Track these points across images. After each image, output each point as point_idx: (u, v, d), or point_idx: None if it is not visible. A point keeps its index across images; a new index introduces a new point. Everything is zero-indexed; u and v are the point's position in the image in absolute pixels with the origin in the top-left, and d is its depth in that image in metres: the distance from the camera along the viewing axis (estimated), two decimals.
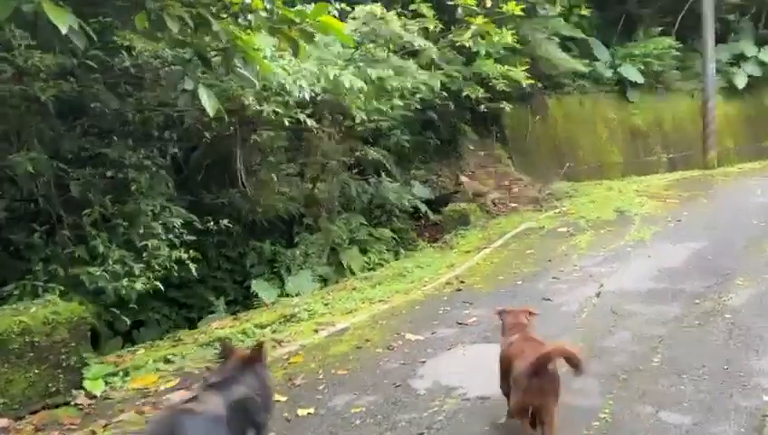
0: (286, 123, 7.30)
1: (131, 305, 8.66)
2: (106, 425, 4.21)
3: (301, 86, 7.05)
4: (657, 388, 4.50)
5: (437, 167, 13.93)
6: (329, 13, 7.31)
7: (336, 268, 9.62)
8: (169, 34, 5.93)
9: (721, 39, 18.10)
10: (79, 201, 6.80)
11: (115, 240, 6.59)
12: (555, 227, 10.61)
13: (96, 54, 7.12)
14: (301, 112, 7.45)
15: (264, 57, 7.23)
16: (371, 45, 8.53)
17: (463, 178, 12.10)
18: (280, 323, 6.40)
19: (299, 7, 5.43)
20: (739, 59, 19.24)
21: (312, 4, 5.43)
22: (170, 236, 6.70)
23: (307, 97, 7.10)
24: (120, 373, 5.02)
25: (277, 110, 6.97)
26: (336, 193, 10.34)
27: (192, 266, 6.72)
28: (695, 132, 17.72)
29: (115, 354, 5.58)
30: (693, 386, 4.50)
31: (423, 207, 11.89)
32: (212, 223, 7.91)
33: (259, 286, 8.29)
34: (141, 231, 6.48)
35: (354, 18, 8.37)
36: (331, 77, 7.33)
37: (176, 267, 6.79)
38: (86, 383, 4.61)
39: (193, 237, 7.32)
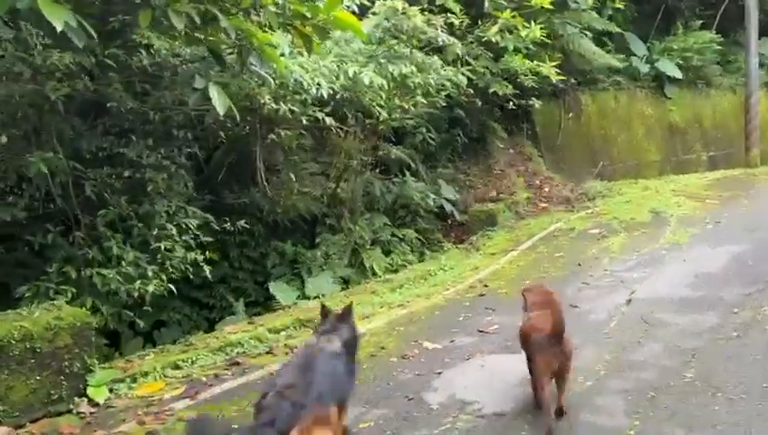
0: (304, 122, 7.11)
1: (152, 306, 8.79)
2: None
3: (319, 84, 6.85)
4: (688, 408, 4.18)
5: (465, 165, 13.62)
6: (348, 9, 7.17)
7: (358, 270, 9.42)
8: (185, 32, 5.85)
9: (765, 32, 17.34)
10: (95, 202, 6.74)
11: (130, 241, 6.50)
12: (587, 229, 10.23)
13: (114, 53, 7.02)
14: (319, 111, 7.26)
15: (282, 55, 7.07)
16: (394, 41, 8.27)
17: None
18: (295, 327, 6.23)
19: (311, 3, 5.20)
20: None
21: None
22: (185, 237, 6.56)
23: (325, 95, 6.90)
24: (127, 380, 4.90)
25: (293, 108, 6.78)
26: (359, 193, 10.13)
27: (206, 269, 6.58)
28: (736, 129, 17.04)
29: (124, 359, 5.47)
30: (728, 406, 4.16)
31: (449, 207, 11.60)
32: (231, 223, 7.78)
33: (277, 289, 8.14)
34: (155, 232, 6.36)
35: (375, 13, 8.13)
36: (351, 74, 7.12)
37: (191, 269, 6.66)
38: (89, 390, 4.50)
39: (210, 238, 7.20)
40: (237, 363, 5.29)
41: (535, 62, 9.61)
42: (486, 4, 9.55)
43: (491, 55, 10.21)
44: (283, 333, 6.07)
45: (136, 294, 6.00)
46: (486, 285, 7.66)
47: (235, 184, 9.35)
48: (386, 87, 7.47)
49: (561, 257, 8.74)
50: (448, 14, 9.13)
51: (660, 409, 4.17)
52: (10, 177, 6.88)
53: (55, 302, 4.77)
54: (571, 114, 15.53)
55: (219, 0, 4.80)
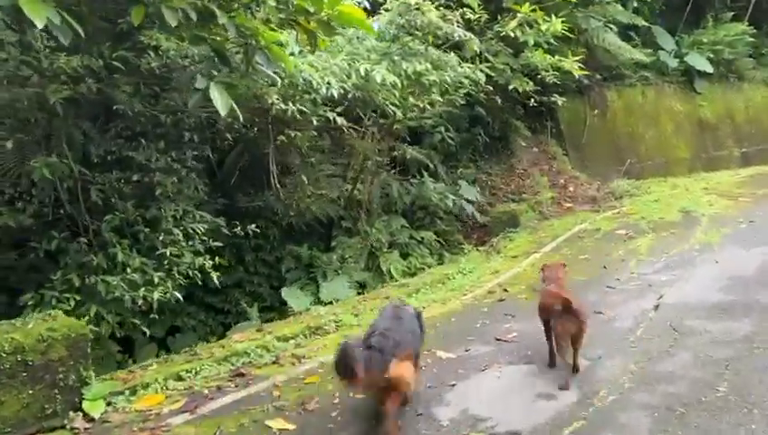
0: (315, 122, 6.89)
1: (167, 312, 8.66)
2: None
3: (329, 83, 6.63)
4: (720, 426, 3.84)
5: (487, 165, 13.30)
6: (360, 5, 6.93)
7: (375, 273, 9.18)
8: (190, 31, 5.67)
9: None
10: (102, 207, 6.60)
11: (137, 247, 6.35)
12: (613, 230, 9.85)
13: (123, 55, 6.88)
14: (330, 111, 7.03)
15: (291, 54, 6.86)
16: (408, 38, 8.01)
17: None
18: (305, 335, 6.00)
19: None
20: None
21: None
22: (192, 242, 6.38)
23: (335, 94, 6.67)
24: (127, 392, 4.72)
25: (303, 108, 6.56)
26: (376, 194, 9.90)
27: (214, 275, 6.38)
28: None
29: (126, 370, 5.30)
30: (765, 424, 3.81)
31: (469, 208, 11.28)
32: (246, 227, 7.58)
33: (290, 294, 7.94)
34: (161, 238, 6.19)
35: (387, 10, 7.88)
36: (362, 73, 6.87)
37: (199, 275, 6.48)
38: (85, 404, 4.32)
39: (220, 243, 7.01)
40: (242, 374, 5.08)
41: (557, 57, 9.24)
42: None
43: (511, 51, 9.88)
44: (291, 341, 5.84)
45: (140, 302, 5.81)
46: (506, 290, 7.35)
47: (249, 187, 9.18)
48: (399, 85, 7.21)
49: (586, 260, 8.38)
50: (465, 10, 8.82)
51: (690, 428, 3.84)
52: (22, 182, 6.78)
53: (52, 312, 4.58)
54: (596, 111, 15.10)
55: None
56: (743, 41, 16.76)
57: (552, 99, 10.20)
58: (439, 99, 8.29)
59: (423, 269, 9.59)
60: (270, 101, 6.39)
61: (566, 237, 9.83)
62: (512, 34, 9.15)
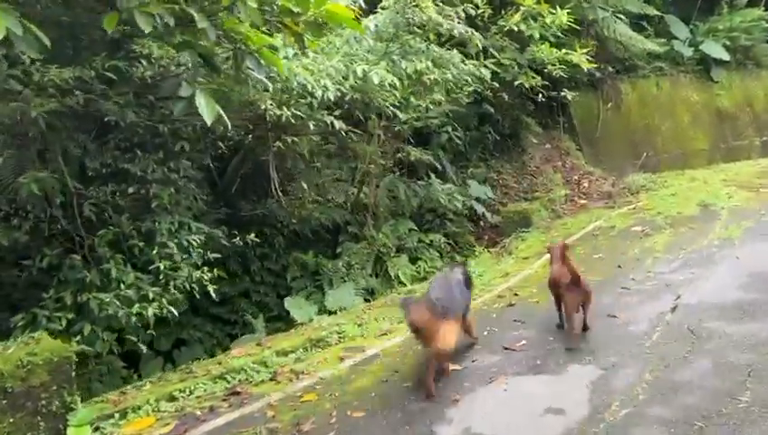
0: (311, 127, 6.68)
1: (172, 324, 8.49)
2: None
3: (325, 86, 6.40)
4: None
5: (498, 163, 13.01)
6: (355, 3, 6.70)
7: (383, 279, 8.96)
8: (175, 37, 5.49)
9: None
10: (96, 222, 6.45)
11: (132, 261, 6.18)
12: (628, 226, 9.50)
13: (115, 65, 6.73)
14: (328, 114, 6.81)
15: (286, 57, 6.66)
16: (409, 36, 7.76)
17: None
18: (305, 349, 5.78)
19: None
20: None
21: None
22: (185, 255, 6.19)
23: (331, 97, 6.45)
24: (116, 415, 4.53)
25: (298, 113, 6.35)
26: (382, 198, 9.67)
27: (211, 288, 6.19)
28: None
29: (119, 391, 5.12)
30: None
31: (480, 209, 11.01)
32: (247, 236, 7.40)
33: (293, 304, 7.73)
34: (155, 251, 6.01)
35: (385, 8, 7.63)
36: (360, 74, 6.64)
37: (197, 289, 6.29)
38: (70, 431, 4.13)
39: (218, 255, 6.83)
40: (237, 393, 4.87)
41: (564, 50, 8.93)
42: None
43: (517, 46, 9.59)
44: (291, 355, 5.63)
45: (134, 319, 5.63)
46: (516, 294, 7.07)
47: (251, 194, 9.02)
48: (399, 86, 6.97)
49: (600, 259, 8.06)
50: (467, 5, 8.54)
51: None
52: (18, 198, 6.64)
53: (36, 334, 4.41)
54: (609, 104, 14.74)
55: (198, 0, 4.38)
56: (759, 26, 16.29)
57: (562, 93, 9.86)
58: (442, 98, 8.04)
59: (432, 273, 9.35)
60: (263, 107, 6.18)
61: (580, 236, 9.51)
62: (515, 28, 8.87)
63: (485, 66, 9.05)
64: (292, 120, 6.27)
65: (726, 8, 16.60)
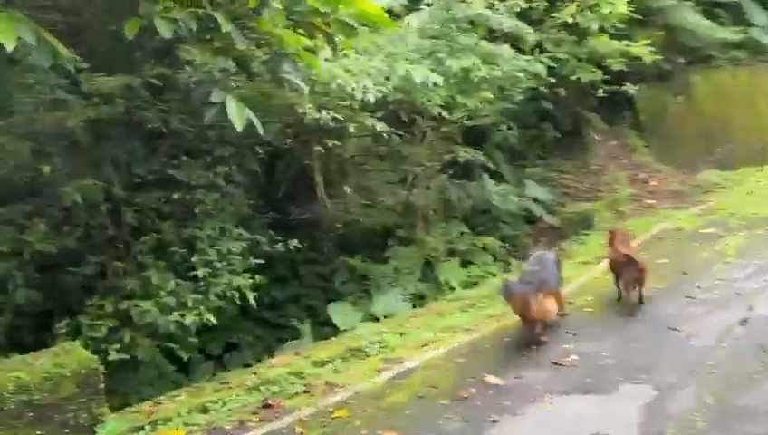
0: (351, 130, 6.50)
1: (222, 328, 8.51)
2: None
3: (365, 87, 6.20)
4: None
5: (558, 162, 12.46)
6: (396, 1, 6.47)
7: (432, 284, 8.67)
8: (217, 42, 5.43)
9: None
10: (139, 228, 6.48)
11: (174, 268, 6.16)
12: (698, 229, 8.87)
13: (161, 72, 6.75)
14: (370, 116, 6.61)
15: (326, 59, 6.51)
16: (456, 33, 7.47)
17: None
18: (343, 359, 5.60)
19: None
20: None
21: None
22: (224, 262, 6.13)
23: (371, 99, 6.24)
24: (147, 427, 4.48)
25: (337, 116, 6.18)
26: (433, 200, 9.40)
27: (251, 295, 6.11)
28: None
29: (153, 401, 5.07)
30: None
31: (537, 210, 10.56)
32: (293, 241, 7.30)
33: (337, 311, 7.58)
34: (195, 259, 5.98)
35: (429, 4, 7.36)
36: (401, 73, 6.41)
37: (237, 295, 6.21)
38: None
39: (260, 261, 6.75)
40: (269, 406, 4.73)
41: (624, 42, 8.39)
42: None
43: (574, 39, 9.11)
44: (329, 365, 5.45)
45: (172, 327, 5.59)
46: (571, 302, 6.62)
47: (300, 198, 8.92)
48: (441, 84, 6.69)
49: (666, 265, 7.51)
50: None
51: None
52: (72, 205, 6.75)
53: (66, 344, 4.42)
54: (680, 97, 13.86)
55: (224, 3, 4.27)
56: None
57: (623, 87, 9.30)
58: (491, 96, 7.69)
59: (485, 278, 9.01)
60: (300, 111, 6.04)
61: (645, 239, 8.92)
62: (570, 20, 8.41)
63: (540, 61, 8.64)
64: (331, 123, 6.10)
65: None
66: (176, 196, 6.85)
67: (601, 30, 8.68)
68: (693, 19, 11.86)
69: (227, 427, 4.47)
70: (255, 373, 5.34)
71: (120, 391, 7.16)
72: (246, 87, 6.13)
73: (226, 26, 4.18)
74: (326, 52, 6.58)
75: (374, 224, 9.00)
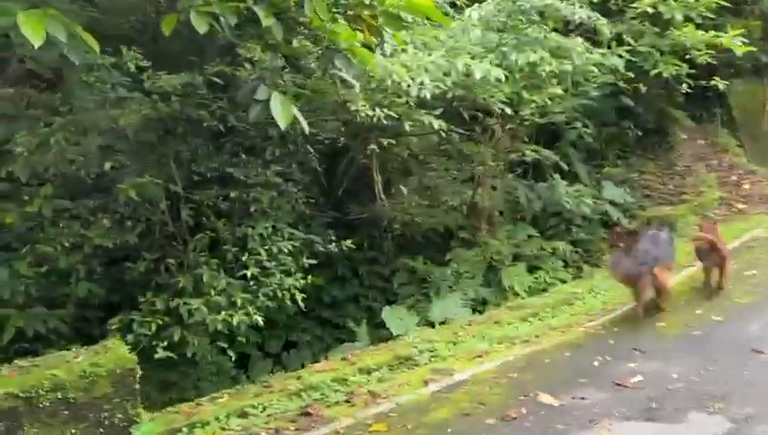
0: (407, 128, 6.25)
1: (282, 326, 8.50)
2: None
3: (422, 83, 5.93)
4: None
5: (640, 162, 11.72)
6: None
7: (496, 289, 8.29)
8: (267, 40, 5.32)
9: None
10: (195, 226, 6.49)
11: (226, 267, 6.12)
12: None
13: (222, 70, 6.75)
14: (427, 113, 6.33)
15: (383, 54, 6.28)
16: (524, 25, 7.06)
17: None
18: (391, 367, 5.36)
19: None
20: None
21: None
22: (274, 262, 6.03)
23: (428, 95, 5.96)
24: (185, 429, 4.41)
25: (391, 113, 5.94)
26: (499, 201, 9.00)
27: (299, 297, 5.98)
28: None
29: (195, 402, 5.00)
30: None
31: (615, 213, 9.93)
32: (346, 242, 7.14)
33: (391, 315, 7.35)
34: (244, 258, 5.92)
35: None
36: (461, 68, 6.09)
37: (287, 296, 6.10)
38: None
39: (313, 261, 6.63)
40: (308, 414, 4.56)
41: (711, 32, 7.69)
42: None
43: (657, 30, 8.46)
44: (375, 373, 5.23)
45: (219, 326, 5.54)
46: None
47: (362, 197, 8.76)
48: (510, 80, 6.32)
49: (754, 277, 6.84)
50: None
51: None
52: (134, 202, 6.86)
53: (108, 342, 4.41)
54: None
55: None
56: None
57: (711, 82, 8.56)
58: (560, 91, 7.22)
59: (554, 285, 8.53)
60: (353, 108, 5.85)
61: (733, 246, 8.18)
62: (649, 10, 7.78)
63: (619, 55, 8.07)
64: (384, 121, 5.87)
65: None
66: (233, 194, 6.85)
67: (687, 20, 7.98)
68: None
69: (262, 434, 4.33)
70: (299, 377, 5.20)
71: (178, 385, 7.31)
72: (300, 84, 5.98)
73: (267, 20, 4.02)
74: (384, 47, 6.40)
75: (436, 224, 8.71)
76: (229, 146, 7.36)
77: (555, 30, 7.64)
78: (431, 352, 5.64)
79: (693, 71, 8.47)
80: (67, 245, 6.05)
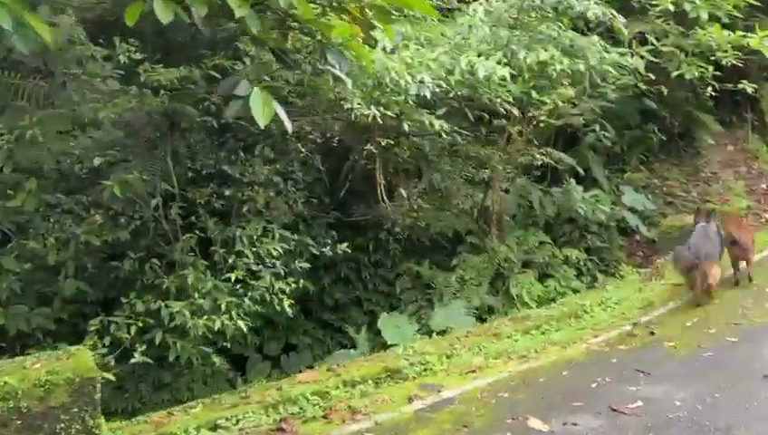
0: (406, 128, 5.95)
1: (282, 328, 8.29)
2: None
3: (421, 81, 5.63)
4: None
5: (663, 168, 11.21)
6: None
7: (504, 297, 7.95)
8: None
9: None
10: (187, 225, 6.29)
11: (211, 269, 5.90)
12: None
13: (221, 64, 6.54)
14: (429, 113, 6.03)
15: (384, 49, 6.00)
16: (536, 22, 6.70)
17: None
18: (377, 380, 5.08)
19: None
20: None
21: None
22: (260, 265, 5.79)
23: (428, 94, 5.66)
24: None
25: (388, 112, 5.65)
26: (510, 205, 8.64)
27: (286, 302, 5.72)
28: None
29: (166, 412, 4.78)
30: None
31: (633, 220, 9.49)
32: (342, 246, 6.87)
33: (387, 322, 7.09)
34: (230, 260, 5.69)
35: None
36: (464, 66, 5.77)
37: (275, 301, 5.85)
38: None
39: (307, 265, 6.37)
40: (282, 430, 4.32)
41: (738, 32, 7.21)
42: None
43: (682, 30, 8.00)
44: (359, 387, 4.95)
45: (201, 331, 5.32)
46: (653, 333, 5.77)
47: (368, 198, 8.48)
48: (509, 78, 5.97)
49: None
50: None
51: None
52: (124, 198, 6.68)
53: (71, 348, 4.21)
54: None
55: None
56: None
57: (739, 86, 8.06)
58: (571, 93, 6.85)
59: (566, 294, 8.16)
60: (346, 106, 5.57)
61: (757, 260, 7.71)
62: (671, 8, 7.34)
63: (640, 56, 7.66)
64: (380, 121, 5.58)
65: None
66: (228, 192, 6.65)
67: (714, 19, 7.52)
68: None
69: None
70: (279, 389, 4.95)
71: (172, 386, 7.13)
72: (297, 81, 5.73)
73: (240, 11, 3.76)
74: (384, 43, 6.12)
75: (445, 228, 8.39)
76: (232, 142, 7.18)
77: (573, 28, 7.26)
78: (423, 364, 5.35)
79: (719, 73, 7.99)
80: (54, 241, 5.89)
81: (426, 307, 7.81)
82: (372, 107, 5.55)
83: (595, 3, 6.58)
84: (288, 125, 4.51)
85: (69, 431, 3.82)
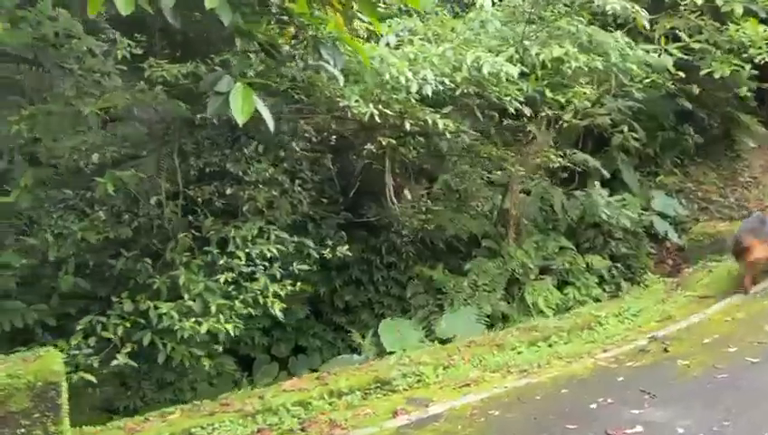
0: (408, 127, 5.69)
1: (292, 329, 8.15)
2: None
3: (424, 77, 5.36)
4: None
5: (699, 172, 10.64)
6: None
7: (519, 305, 7.62)
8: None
9: None
10: (188, 224, 6.17)
11: (204, 270, 5.75)
12: None
13: (227, 59, 6.40)
14: (432, 111, 5.75)
15: (387, 44, 5.76)
16: (552, 16, 6.35)
17: None
18: (365, 392, 4.85)
19: None
20: None
21: None
22: (251, 267, 5.61)
23: (429, 92, 5.38)
24: None
25: (386, 111, 5.39)
26: (530, 208, 8.28)
27: (277, 306, 5.52)
28: None
29: (144, 417, 4.65)
30: None
31: (662, 227, 9.01)
32: (342, 248, 6.63)
33: (387, 328, 6.85)
34: (221, 261, 5.53)
35: None
36: (470, 62, 5.47)
37: (269, 303, 5.66)
38: None
39: (305, 267, 6.17)
40: None
41: None
42: None
43: (716, 25, 7.51)
44: (345, 398, 4.73)
45: (186, 334, 5.17)
46: (666, 350, 5.36)
47: (381, 198, 8.25)
48: (516, 76, 5.63)
49: None
50: None
51: None
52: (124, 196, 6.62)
53: (40, 350, 4.10)
54: None
55: None
56: None
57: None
58: (588, 91, 6.46)
59: (586, 303, 7.77)
60: (342, 104, 5.34)
61: None
62: (698, 1, 6.87)
63: (669, 53, 7.21)
64: (378, 120, 5.33)
65: None
66: (229, 191, 6.50)
67: (750, 14, 7.01)
68: None
69: None
70: (261, 397, 4.76)
71: (175, 385, 7.06)
72: (291, 77, 5.53)
73: (211, 2, 3.58)
74: (387, 38, 5.88)
75: (459, 231, 8.09)
76: (243, 139, 7.04)
77: (600, 26, 6.87)
78: (416, 375, 5.09)
79: (756, 72, 7.47)
80: (51, 238, 5.84)
81: (436, 313, 7.54)
82: (371, 105, 5.29)
83: None
84: (270, 123, 4.32)
85: None
